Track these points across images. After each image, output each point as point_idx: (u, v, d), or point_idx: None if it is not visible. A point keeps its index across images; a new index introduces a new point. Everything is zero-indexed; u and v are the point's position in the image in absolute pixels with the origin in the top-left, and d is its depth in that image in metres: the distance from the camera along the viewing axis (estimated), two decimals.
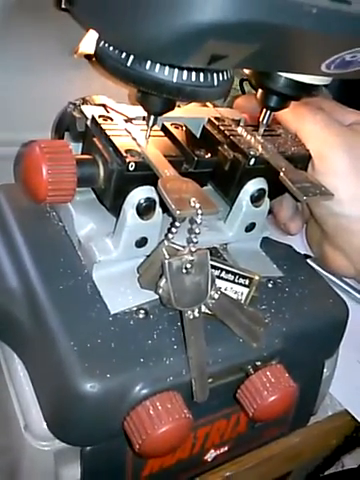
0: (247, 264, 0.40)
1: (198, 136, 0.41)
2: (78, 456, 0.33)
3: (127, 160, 0.31)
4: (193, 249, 0.29)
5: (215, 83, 0.30)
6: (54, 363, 0.30)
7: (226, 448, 0.41)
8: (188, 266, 0.30)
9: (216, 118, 0.41)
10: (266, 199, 0.40)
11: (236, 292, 0.34)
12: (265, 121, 0.39)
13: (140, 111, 0.36)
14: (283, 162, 0.37)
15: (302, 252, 0.52)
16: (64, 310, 0.32)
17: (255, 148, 0.38)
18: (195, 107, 0.43)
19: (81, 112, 0.36)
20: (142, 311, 0.33)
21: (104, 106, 0.37)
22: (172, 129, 0.38)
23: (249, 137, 0.39)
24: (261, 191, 0.39)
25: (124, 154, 0.32)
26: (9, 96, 0.43)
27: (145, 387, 0.30)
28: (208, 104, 0.44)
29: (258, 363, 0.35)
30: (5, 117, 0.43)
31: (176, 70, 0.28)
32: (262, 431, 0.43)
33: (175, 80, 0.28)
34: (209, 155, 0.36)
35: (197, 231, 0.29)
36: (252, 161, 0.37)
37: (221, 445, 0.41)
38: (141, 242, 0.34)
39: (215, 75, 0.29)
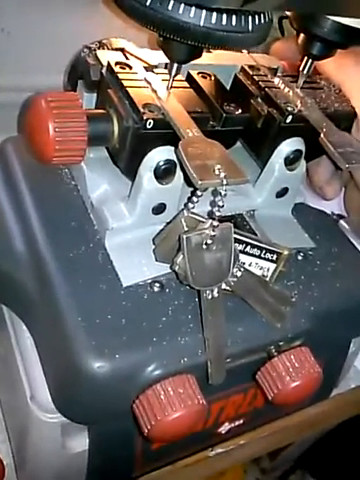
0: (276, 233, 0.36)
1: (229, 87, 0.36)
2: (86, 427, 0.31)
3: (145, 117, 0.28)
4: (215, 223, 0.26)
5: (250, 28, 0.25)
6: (60, 338, 0.28)
7: (241, 421, 0.40)
8: (209, 242, 0.26)
9: (250, 66, 0.36)
10: (302, 161, 0.35)
11: (262, 268, 0.31)
12: (306, 71, 0.35)
13: (164, 57, 0.32)
14: (324, 121, 0.33)
15: (336, 212, 0.48)
16: (73, 281, 0.30)
17: (293, 103, 0.33)
18: (226, 53, 0.38)
19: (96, 58, 0.32)
20: (157, 284, 0.31)
21: (123, 51, 0.33)
22: (198, 79, 0.33)
23: (287, 90, 0.35)
24: (297, 153, 0.34)
25: (141, 109, 0.28)
26: (16, 34, 0.39)
27: (157, 368, 0.28)
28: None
29: (281, 343, 0.32)
30: (13, 58, 0.39)
31: (204, 11, 0.24)
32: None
33: (202, 23, 0.24)
34: (240, 111, 0.32)
35: (221, 204, 0.25)
36: (289, 118, 0.33)
37: (236, 418, 0.39)
38: (159, 208, 0.31)
39: (250, 18, 0.25)
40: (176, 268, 0.27)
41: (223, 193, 0.25)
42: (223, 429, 0.39)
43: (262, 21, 0.26)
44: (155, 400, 0.27)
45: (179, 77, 0.32)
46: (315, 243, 0.38)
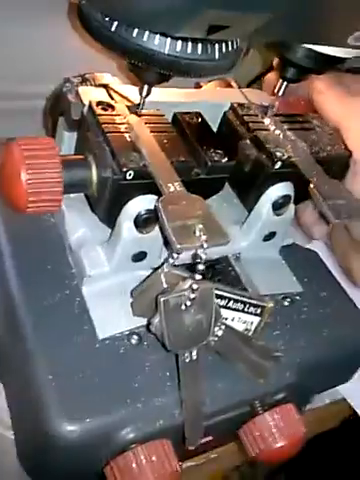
0: (262, 277, 0.35)
1: (217, 125, 0.35)
2: None
3: (124, 168, 0.26)
4: (195, 286, 0.24)
5: (216, 56, 0.24)
6: (30, 397, 0.27)
7: (211, 437, 0.38)
8: (188, 304, 0.25)
9: (240, 105, 0.34)
10: (291, 205, 0.34)
11: (245, 322, 0.30)
12: (280, 93, 0.34)
13: (150, 95, 0.30)
14: (315, 169, 0.31)
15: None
16: (45, 332, 0.28)
17: (283, 147, 0.32)
18: (215, 88, 0.37)
19: (78, 95, 0.30)
20: (135, 336, 0.29)
21: (106, 87, 0.31)
22: (184, 121, 0.32)
23: (277, 132, 0.33)
24: (286, 198, 0.33)
25: (122, 160, 0.26)
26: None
27: (131, 432, 0.26)
28: (233, 84, 0.38)
29: (265, 398, 0.31)
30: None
31: (168, 40, 0.23)
32: None
33: (167, 51, 0.23)
34: (226, 159, 0.30)
35: (201, 268, 0.24)
36: (278, 164, 0.31)
37: (205, 434, 0.37)
38: (139, 256, 0.30)
39: (217, 46, 0.24)
40: (153, 329, 0.26)
41: (203, 257, 0.23)
42: None
43: (229, 49, 0.25)
44: (127, 469, 0.25)
45: (163, 119, 0.30)
46: (303, 286, 0.36)
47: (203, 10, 0.20)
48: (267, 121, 0.34)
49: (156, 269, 0.27)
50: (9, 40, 0.40)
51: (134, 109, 0.30)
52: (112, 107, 0.29)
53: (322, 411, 0.49)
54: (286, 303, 0.35)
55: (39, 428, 0.26)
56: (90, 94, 0.30)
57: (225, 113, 0.34)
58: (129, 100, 0.31)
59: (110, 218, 0.28)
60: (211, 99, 0.34)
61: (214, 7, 0.20)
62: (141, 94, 0.29)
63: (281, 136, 0.33)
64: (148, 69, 0.26)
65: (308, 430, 0.48)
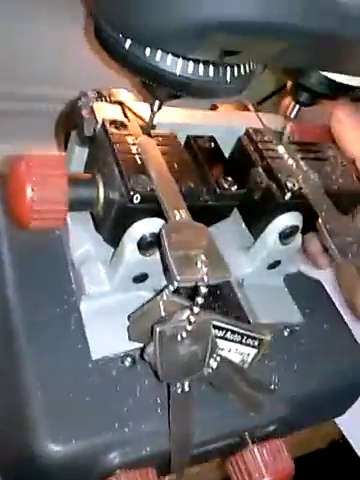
0: (264, 305, 0.34)
1: (231, 149, 0.34)
2: None
3: (132, 192, 0.26)
4: (192, 319, 0.24)
5: (228, 78, 0.24)
6: (18, 412, 0.27)
7: None
8: (184, 335, 0.24)
9: (255, 130, 0.34)
10: (298, 235, 0.34)
11: (242, 353, 0.29)
12: (293, 115, 0.34)
13: (165, 114, 0.30)
14: (325, 202, 0.31)
15: None
16: (39, 348, 0.28)
17: (295, 178, 0.32)
18: (230, 110, 0.36)
19: (92, 111, 0.30)
20: (129, 358, 0.29)
21: (122, 105, 0.31)
22: (197, 146, 0.31)
23: (291, 162, 0.33)
24: (294, 228, 0.33)
25: (130, 183, 0.26)
26: (11, 43, 0.38)
27: (117, 457, 0.26)
28: (250, 107, 0.37)
29: (256, 429, 0.31)
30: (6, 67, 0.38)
31: (180, 60, 0.23)
32: None
33: (179, 72, 0.23)
34: (235, 187, 0.30)
35: (200, 302, 0.24)
36: (287, 195, 0.31)
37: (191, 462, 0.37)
38: (140, 278, 0.29)
39: (229, 69, 0.24)
40: (146, 358, 0.25)
41: (203, 292, 0.23)
42: None
43: (241, 72, 0.25)
44: None
45: (176, 142, 0.30)
46: (304, 317, 0.36)
47: (210, 35, 0.20)
48: (281, 149, 0.33)
49: (156, 294, 0.27)
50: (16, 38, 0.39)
51: (147, 130, 0.30)
52: (125, 126, 0.29)
53: (310, 431, 0.49)
54: (285, 333, 0.35)
55: (25, 446, 0.26)
56: (105, 111, 0.30)
57: (239, 138, 0.34)
58: (143, 119, 0.31)
59: (114, 238, 0.28)
60: (227, 123, 0.34)
61: (222, 33, 0.20)
62: (152, 109, 0.29)
63: (294, 166, 0.32)
64: (159, 87, 0.26)
65: (294, 449, 0.48)
